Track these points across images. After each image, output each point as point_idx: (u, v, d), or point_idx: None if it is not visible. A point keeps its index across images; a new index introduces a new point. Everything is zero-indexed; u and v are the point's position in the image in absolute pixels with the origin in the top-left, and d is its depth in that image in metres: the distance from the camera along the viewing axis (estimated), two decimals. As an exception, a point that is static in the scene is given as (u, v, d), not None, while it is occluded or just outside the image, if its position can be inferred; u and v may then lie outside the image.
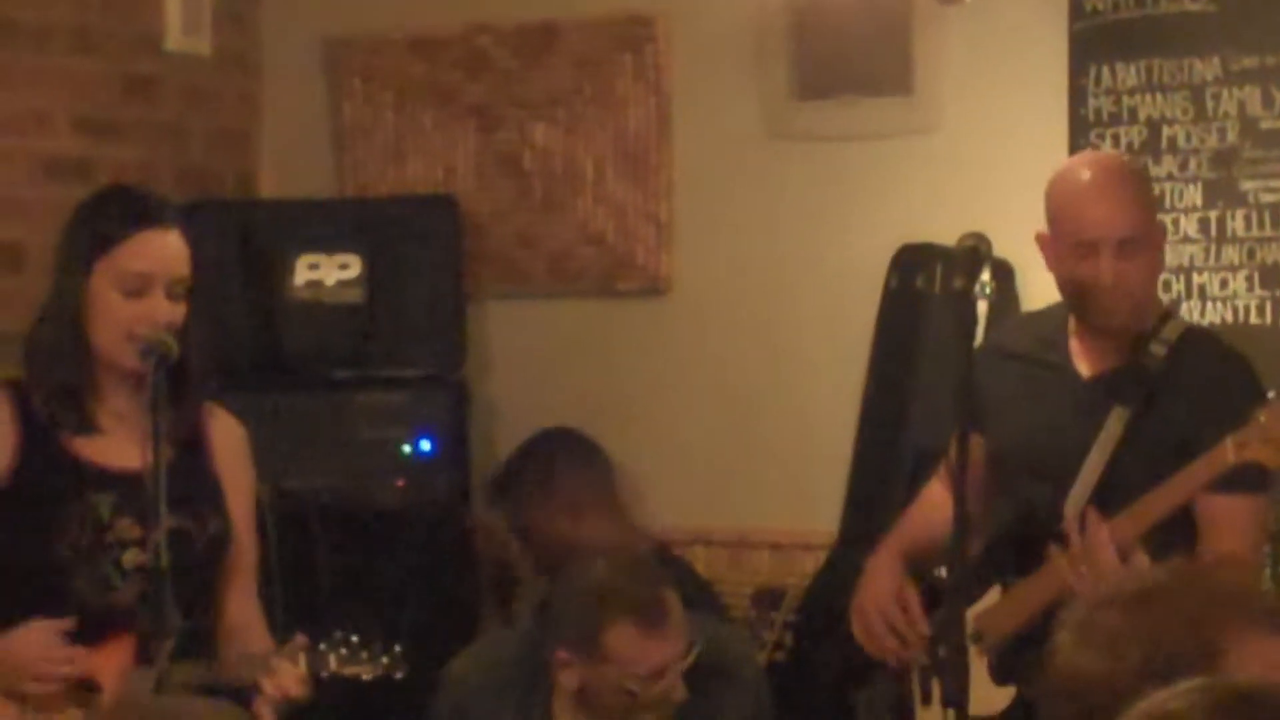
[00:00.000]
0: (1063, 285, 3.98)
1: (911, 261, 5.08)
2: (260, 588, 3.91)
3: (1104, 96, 4.96)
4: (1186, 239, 4.88)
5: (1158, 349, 3.93)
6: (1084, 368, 4.01)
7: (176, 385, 3.67)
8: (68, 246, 3.76)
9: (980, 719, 3.81)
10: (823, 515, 5.15)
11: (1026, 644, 3.75)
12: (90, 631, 3.63)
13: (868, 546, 4.33)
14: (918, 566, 4.15)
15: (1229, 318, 4.83)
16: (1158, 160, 4.90)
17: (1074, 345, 4.02)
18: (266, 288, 5.30)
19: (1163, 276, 4.80)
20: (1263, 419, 3.67)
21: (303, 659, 3.62)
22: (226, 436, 3.87)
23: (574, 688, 3.90)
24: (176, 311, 3.69)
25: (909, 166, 5.16)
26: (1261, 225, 4.82)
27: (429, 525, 5.21)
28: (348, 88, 5.80)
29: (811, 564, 5.18)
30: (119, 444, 3.69)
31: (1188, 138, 4.89)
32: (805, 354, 5.29)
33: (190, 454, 3.77)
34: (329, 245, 5.33)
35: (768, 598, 5.12)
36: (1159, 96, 4.91)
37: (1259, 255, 4.82)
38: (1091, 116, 4.97)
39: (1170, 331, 3.96)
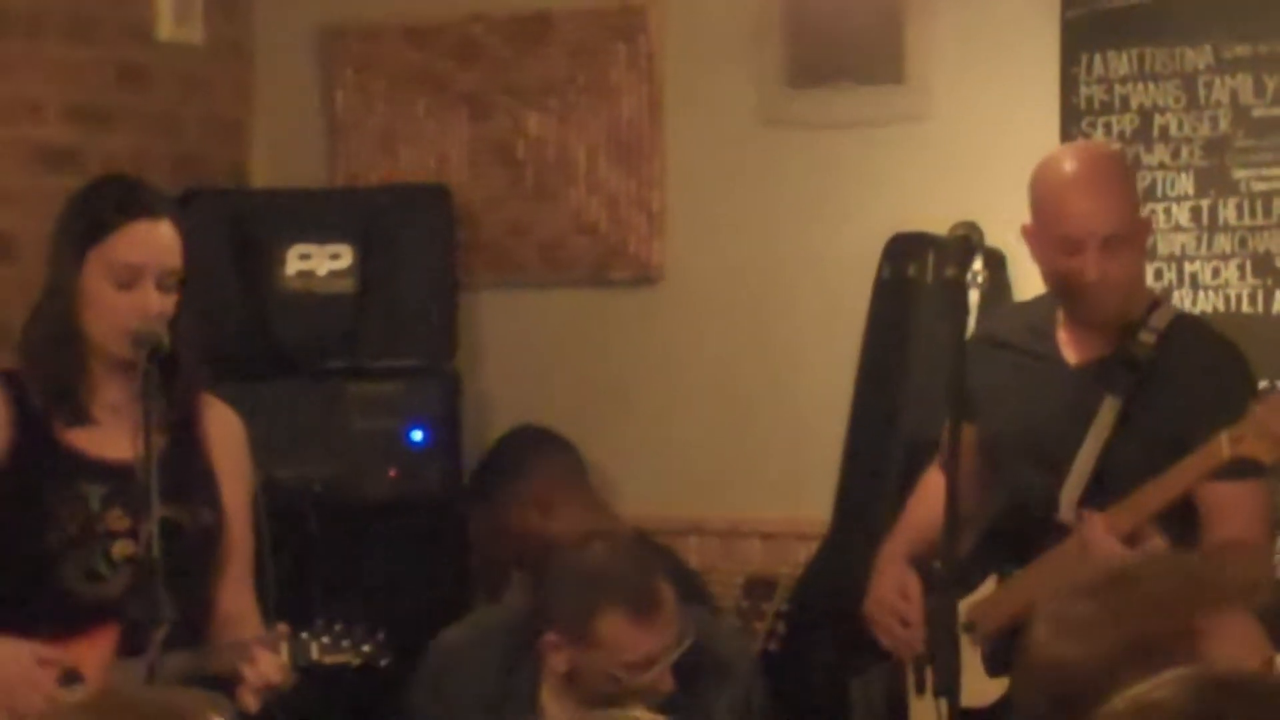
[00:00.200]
0: (1048, 278, 3.97)
1: (903, 251, 5.07)
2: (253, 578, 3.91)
3: (1096, 85, 4.95)
4: (1178, 228, 4.88)
5: (1146, 337, 3.91)
6: (1072, 356, 3.99)
7: (168, 375, 3.66)
8: (60, 237, 3.76)
9: (973, 710, 3.77)
10: (815, 504, 5.15)
11: (1021, 636, 3.73)
12: (77, 622, 3.63)
13: (860, 535, 4.31)
14: (923, 557, 4.11)
15: (1221, 306, 4.82)
16: (1150, 149, 4.90)
17: (1061, 335, 4.01)
18: (258, 277, 5.29)
19: (1155, 265, 4.82)
20: (1257, 413, 3.65)
21: (284, 647, 3.63)
22: (222, 428, 3.86)
23: (562, 670, 3.90)
24: (167, 303, 3.68)
25: (901, 154, 5.16)
26: (1253, 214, 4.82)
27: (421, 515, 5.20)
28: (340, 77, 5.79)
29: (804, 553, 5.18)
30: (112, 435, 3.68)
31: (1180, 126, 4.89)
32: (797, 343, 5.29)
33: (183, 445, 3.76)
34: (321, 235, 5.31)
35: (760, 587, 5.12)
36: (1151, 85, 4.91)
37: (1251, 244, 4.82)
38: (1083, 105, 4.96)
39: (1159, 319, 3.94)
